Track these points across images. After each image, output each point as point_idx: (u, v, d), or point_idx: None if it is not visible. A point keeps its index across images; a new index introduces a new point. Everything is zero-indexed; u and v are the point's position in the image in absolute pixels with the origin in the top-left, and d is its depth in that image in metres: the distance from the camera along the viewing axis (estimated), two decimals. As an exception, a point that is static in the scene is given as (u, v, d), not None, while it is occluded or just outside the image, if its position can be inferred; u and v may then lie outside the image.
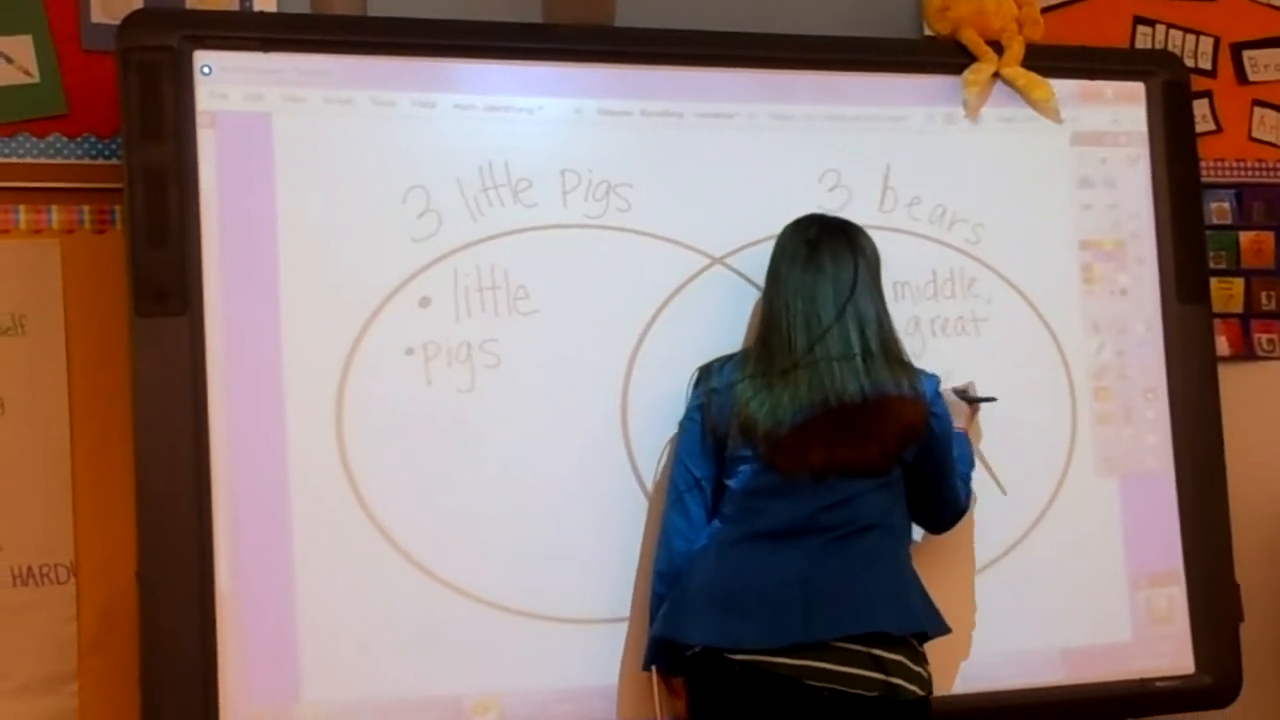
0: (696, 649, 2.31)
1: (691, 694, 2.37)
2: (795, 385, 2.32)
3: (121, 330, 2.45)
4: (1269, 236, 3.44)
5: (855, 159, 2.79)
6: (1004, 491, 2.77)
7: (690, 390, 2.51)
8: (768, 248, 2.50)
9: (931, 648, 2.35)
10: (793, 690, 2.23)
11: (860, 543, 2.32)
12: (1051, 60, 2.93)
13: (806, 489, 2.32)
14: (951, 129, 2.87)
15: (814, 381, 2.31)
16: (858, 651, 2.24)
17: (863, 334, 2.35)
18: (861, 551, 2.31)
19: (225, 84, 2.50)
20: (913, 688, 2.26)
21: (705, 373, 2.49)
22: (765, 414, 2.33)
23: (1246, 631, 2.95)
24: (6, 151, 2.69)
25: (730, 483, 2.39)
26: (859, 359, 2.33)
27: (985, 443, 2.76)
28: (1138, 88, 2.98)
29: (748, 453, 2.36)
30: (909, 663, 2.27)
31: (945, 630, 2.38)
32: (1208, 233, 3.16)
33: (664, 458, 2.59)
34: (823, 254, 2.40)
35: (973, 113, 2.86)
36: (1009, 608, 2.75)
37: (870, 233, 2.58)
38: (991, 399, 2.67)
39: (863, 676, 2.23)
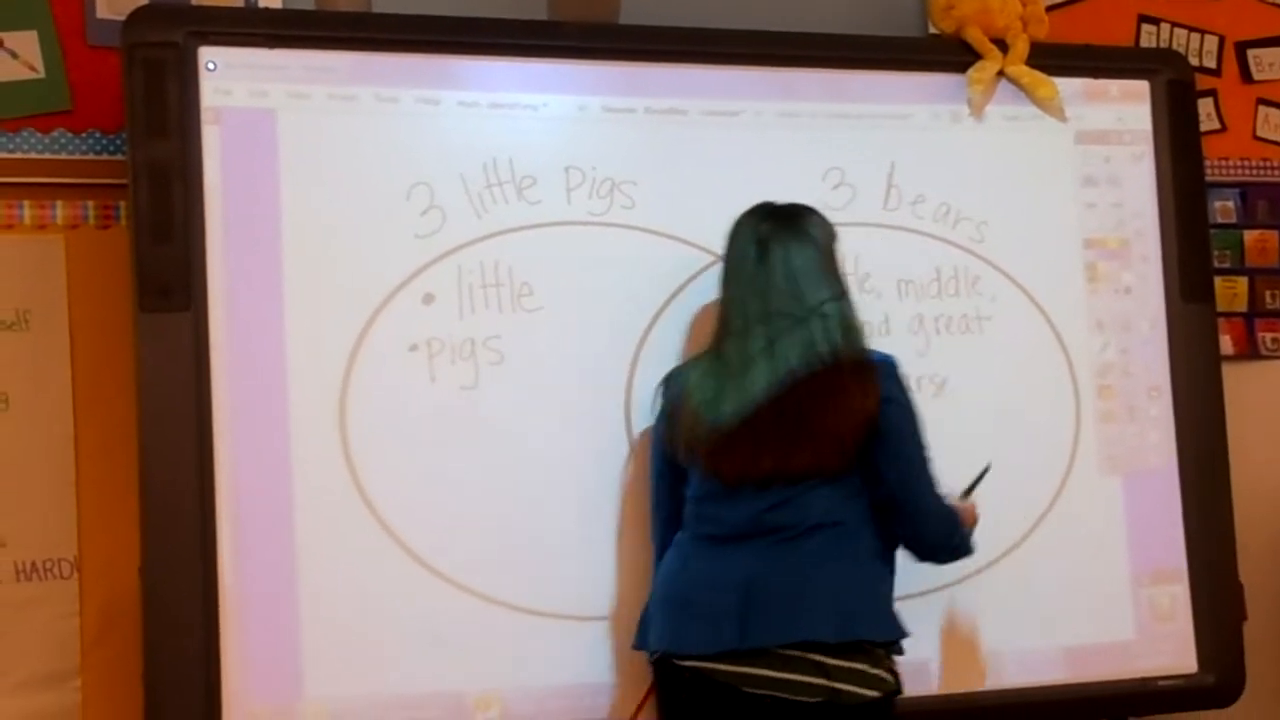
0: (657, 654, 2.31)
1: (657, 699, 2.37)
2: (751, 381, 2.25)
3: (125, 326, 2.45)
4: (1273, 235, 3.43)
5: (859, 157, 2.79)
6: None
7: (655, 401, 2.48)
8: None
9: (931, 644, 2.34)
10: (735, 697, 2.21)
11: (809, 543, 2.24)
12: (1056, 58, 2.93)
13: (751, 491, 2.26)
14: (956, 127, 2.87)
15: (770, 372, 2.24)
16: (798, 657, 2.18)
17: (824, 324, 2.27)
18: (810, 553, 2.23)
19: (230, 80, 2.50)
20: (862, 691, 2.19)
21: (666, 383, 2.45)
22: (713, 419, 2.27)
23: (1249, 630, 2.94)
24: (11, 147, 2.69)
25: (686, 490, 2.38)
26: (815, 346, 2.25)
27: (989, 441, 2.74)
28: (1142, 86, 2.98)
29: (696, 460, 2.33)
30: (863, 666, 2.20)
31: (893, 635, 2.27)
32: (1212, 232, 3.15)
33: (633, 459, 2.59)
34: (773, 250, 2.32)
35: (977, 111, 2.86)
36: (1011, 606, 2.75)
37: (874, 231, 2.59)
38: (986, 470, 2.52)
39: (802, 683, 2.18)
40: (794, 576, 2.22)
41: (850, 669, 2.19)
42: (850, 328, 2.32)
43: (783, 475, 2.24)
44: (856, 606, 2.23)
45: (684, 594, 2.30)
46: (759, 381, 2.25)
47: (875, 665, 2.22)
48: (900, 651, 2.30)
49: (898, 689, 2.26)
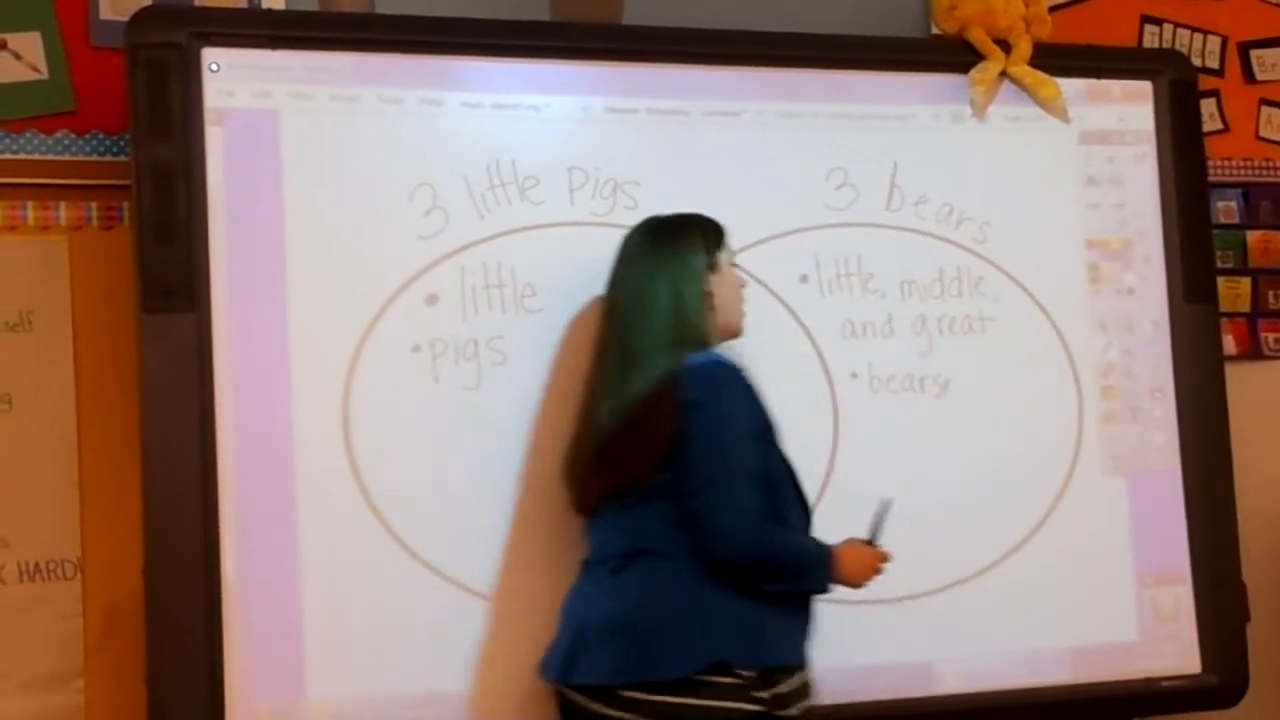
0: None
1: None
2: (600, 417, 2.29)
3: (128, 326, 2.45)
4: (1276, 236, 3.43)
5: (862, 157, 2.79)
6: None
7: None
8: (775, 246, 2.51)
9: (934, 645, 2.32)
10: None
11: (630, 574, 2.23)
12: (1059, 59, 2.93)
13: (596, 517, 2.33)
14: (958, 128, 2.87)
15: (615, 408, 2.26)
16: (626, 696, 2.15)
17: (669, 353, 2.25)
18: (631, 583, 2.22)
19: (233, 81, 2.50)
20: None
21: None
22: (573, 453, 2.37)
23: (1253, 631, 2.94)
24: (15, 148, 2.70)
25: None
26: (656, 372, 2.23)
27: (992, 442, 2.76)
28: (1145, 87, 2.98)
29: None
30: (693, 700, 2.12)
31: (693, 671, 2.13)
32: (1214, 232, 3.14)
33: None
34: (630, 275, 2.35)
35: (980, 111, 2.86)
36: (1015, 607, 2.75)
37: (876, 231, 2.57)
38: (885, 507, 2.34)
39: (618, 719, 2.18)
40: (618, 608, 2.22)
41: (682, 705, 2.13)
42: (683, 346, 2.26)
43: (604, 496, 2.29)
44: (666, 642, 2.16)
45: (561, 615, 2.34)
46: (604, 420, 2.28)
47: (718, 697, 2.12)
48: (771, 671, 2.18)
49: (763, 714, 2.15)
